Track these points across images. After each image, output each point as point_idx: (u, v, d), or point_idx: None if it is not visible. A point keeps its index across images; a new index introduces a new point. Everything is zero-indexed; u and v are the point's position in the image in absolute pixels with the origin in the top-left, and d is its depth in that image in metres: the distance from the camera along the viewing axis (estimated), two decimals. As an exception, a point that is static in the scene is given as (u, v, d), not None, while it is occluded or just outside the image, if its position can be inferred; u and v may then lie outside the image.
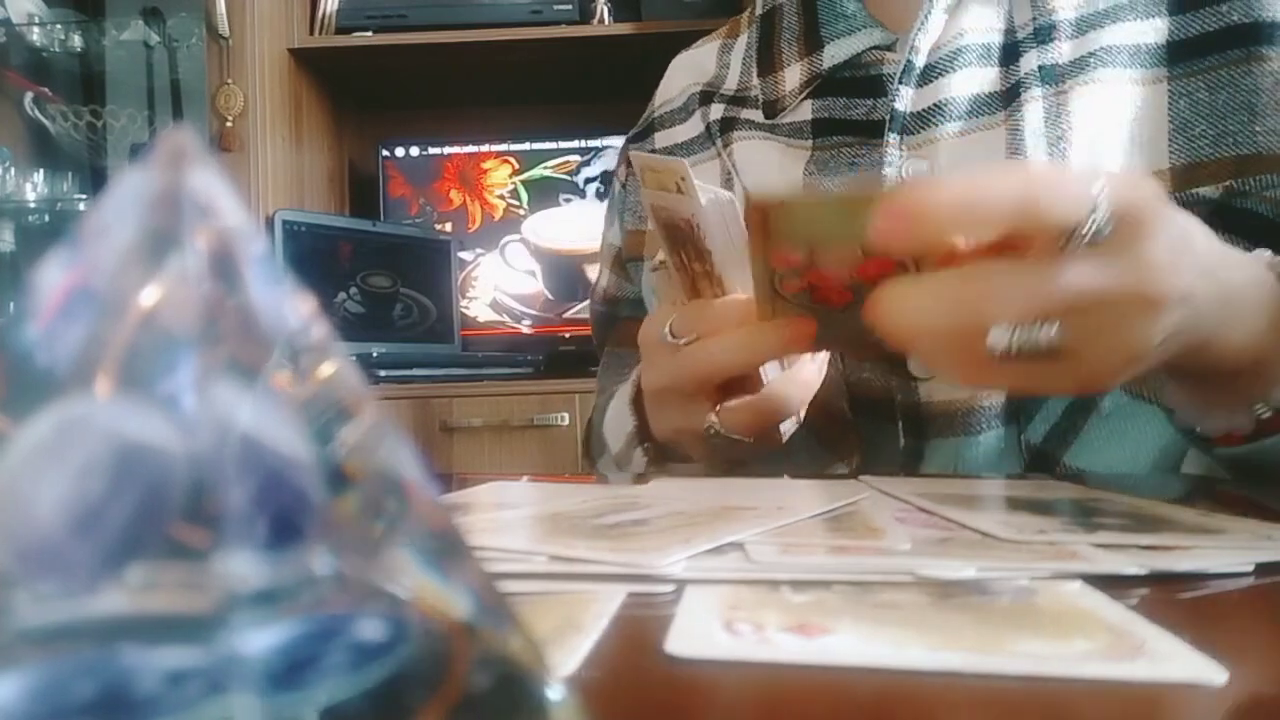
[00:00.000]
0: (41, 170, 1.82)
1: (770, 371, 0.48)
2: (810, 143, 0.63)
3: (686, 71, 0.76)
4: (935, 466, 0.56)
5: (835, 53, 0.63)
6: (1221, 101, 0.53)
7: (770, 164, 0.64)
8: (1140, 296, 0.33)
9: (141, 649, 0.11)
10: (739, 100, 0.69)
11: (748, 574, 0.24)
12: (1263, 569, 0.25)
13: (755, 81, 0.69)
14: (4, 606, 0.12)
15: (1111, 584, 0.23)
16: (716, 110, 0.70)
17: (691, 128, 0.72)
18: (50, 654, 0.12)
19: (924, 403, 0.55)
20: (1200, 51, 0.54)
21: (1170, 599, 0.23)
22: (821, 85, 0.64)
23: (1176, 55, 0.55)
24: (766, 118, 0.66)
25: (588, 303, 0.84)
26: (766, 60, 0.68)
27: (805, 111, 0.64)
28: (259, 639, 0.11)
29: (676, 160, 0.44)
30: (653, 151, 0.74)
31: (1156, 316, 0.33)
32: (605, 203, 0.82)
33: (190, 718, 0.11)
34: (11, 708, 0.11)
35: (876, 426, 0.57)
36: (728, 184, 0.67)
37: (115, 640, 0.11)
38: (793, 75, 0.65)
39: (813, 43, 0.65)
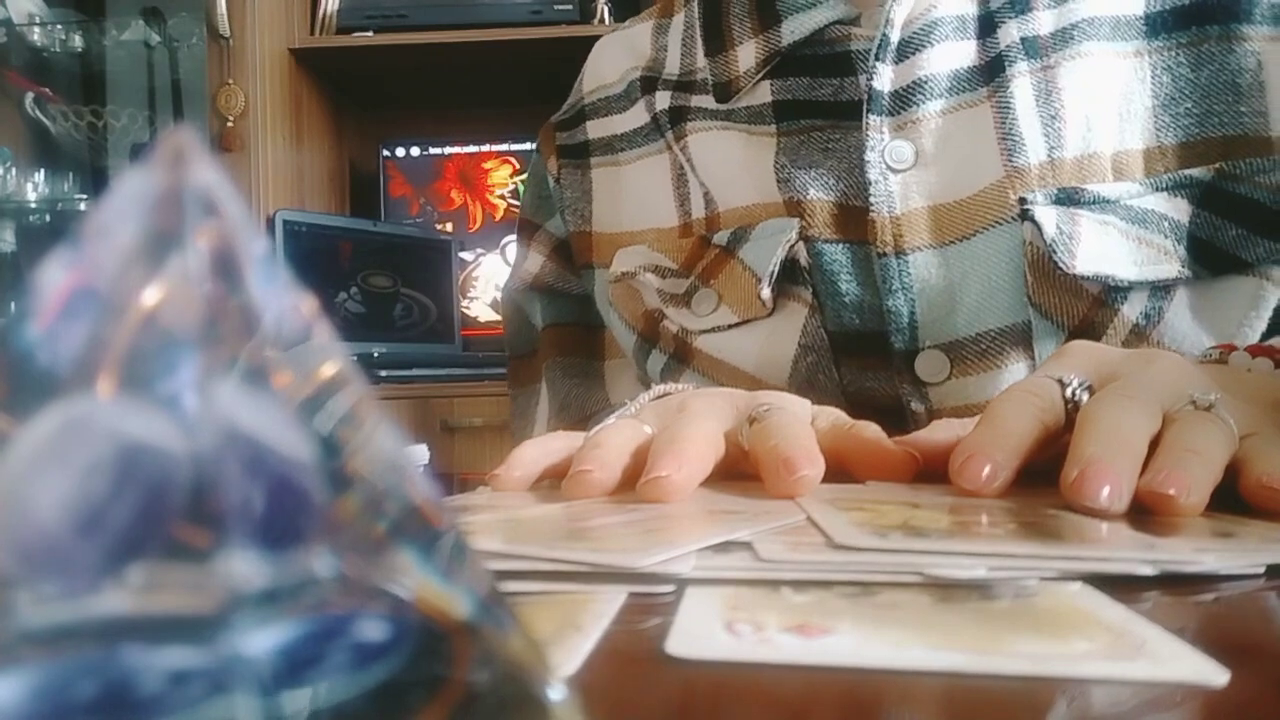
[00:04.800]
0: (42, 170, 1.83)
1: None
2: (774, 128, 0.59)
3: (622, 53, 0.68)
4: None
5: (794, 28, 0.58)
6: (1205, 79, 0.52)
7: (732, 157, 0.60)
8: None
9: (143, 649, 0.11)
10: (685, 86, 0.63)
11: (748, 574, 0.24)
12: (1273, 571, 0.24)
13: (701, 63, 0.63)
14: (6, 606, 0.12)
15: (1118, 585, 0.23)
16: (663, 99, 0.64)
17: (634, 118, 0.65)
18: (52, 654, 0.12)
19: (936, 409, 0.54)
20: (1177, 25, 0.53)
21: (1178, 601, 0.23)
22: (780, 65, 0.59)
23: (1154, 27, 0.54)
24: (719, 101, 0.61)
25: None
26: (715, 39, 0.62)
27: (763, 94, 0.59)
28: (261, 639, 0.11)
29: None
30: (586, 141, 0.67)
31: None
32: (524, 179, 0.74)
33: (192, 718, 0.11)
34: (13, 708, 0.11)
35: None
36: (680, 179, 0.62)
37: (117, 641, 0.11)
38: (746, 54, 0.60)
39: (768, 17, 0.60)
